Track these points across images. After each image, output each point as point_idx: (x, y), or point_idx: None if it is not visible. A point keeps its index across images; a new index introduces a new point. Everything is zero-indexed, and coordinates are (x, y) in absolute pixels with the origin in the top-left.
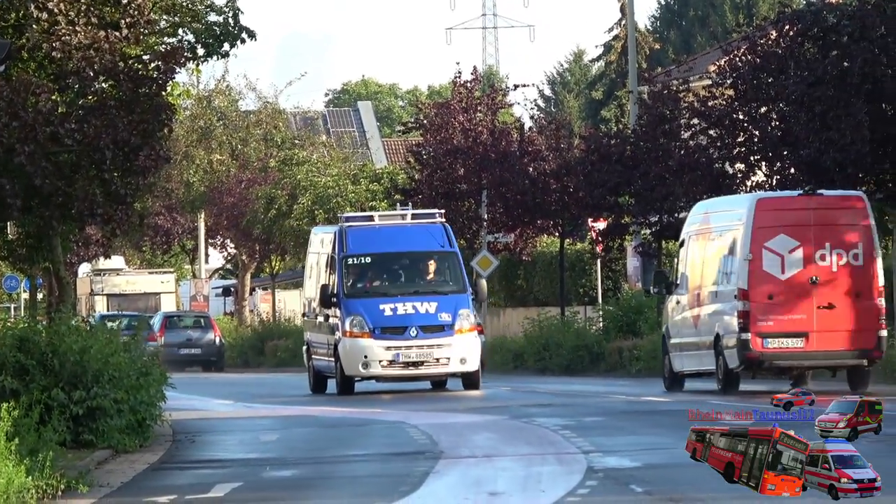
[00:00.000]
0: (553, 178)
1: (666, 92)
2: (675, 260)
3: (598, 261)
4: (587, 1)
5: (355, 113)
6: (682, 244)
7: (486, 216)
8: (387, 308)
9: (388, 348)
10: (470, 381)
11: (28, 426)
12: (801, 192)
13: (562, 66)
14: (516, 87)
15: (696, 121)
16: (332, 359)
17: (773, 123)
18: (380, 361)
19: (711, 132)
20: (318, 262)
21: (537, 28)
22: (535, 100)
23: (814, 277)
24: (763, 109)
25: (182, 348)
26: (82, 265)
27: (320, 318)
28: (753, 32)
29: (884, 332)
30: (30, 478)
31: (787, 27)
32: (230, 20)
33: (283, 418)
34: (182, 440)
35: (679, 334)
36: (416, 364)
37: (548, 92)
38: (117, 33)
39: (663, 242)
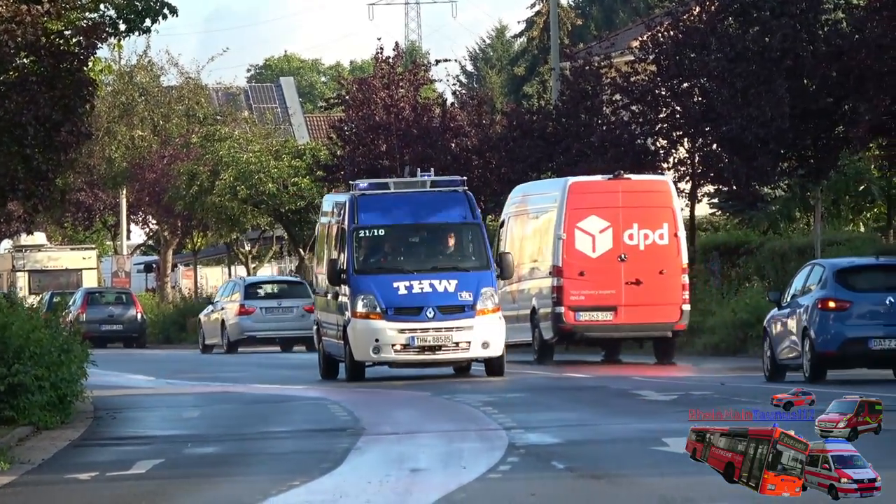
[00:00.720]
0: (475, 153)
1: (588, 68)
2: (496, 239)
3: None
4: None
5: (277, 89)
6: (502, 224)
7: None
8: (401, 286)
9: (402, 331)
10: (493, 366)
11: None
12: (610, 176)
13: (484, 42)
14: (438, 62)
15: (617, 96)
16: (342, 341)
17: (694, 99)
18: (392, 345)
19: (633, 108)
20: (329, 233)
21: (460, 3)
22: (458, 76)
23: (622, 255)
24: (685, 85)
25: (104, 324)
26: (3, 241)
27: (329, 296)
28: (675, 8)
29: (687, 307)
30: None
31: (708, 3)
32: None
33: (205, 395)
34: (104, 417)
35: (503, 308)
36: (432, 348)
37: (470, 68)
38: (39, 7)
39: None
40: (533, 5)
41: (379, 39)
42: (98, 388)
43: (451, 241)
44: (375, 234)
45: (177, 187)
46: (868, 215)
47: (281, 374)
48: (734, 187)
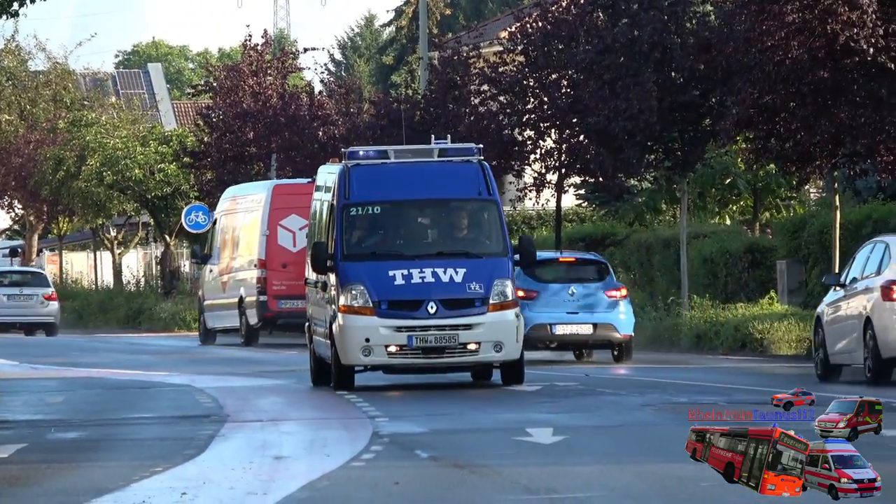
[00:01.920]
0: (342, 142)
1: (456, 58)
2: (210, 235)
3: None
4: None
5: (145, 75)
6: (215, 222)
7: (275, 179)
8: (398, 275)
9: (399, 329)
10: (510, 372)
11: None
12: (309, 180)
13: (353, 30)
14: (306, 50)
15: (486, 87)
16: (329, 341)
17: (562, 91)
18: (386, 347)
19: (501, 99)
20: (320, 211)
21: None
22: (326, 64)
23: None
24: (553, 76)
25: None
26: None
27: (319, 286)
28: (545, 0)
29: None
30: None
31: None
32: None
33: (68, 380)
34: None
35: (213, 297)
36: (435, 351)
37: (338, 56)
38: None
39: None
40: None
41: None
42: None
43: (462, 222)
44: (370, 212)
45: (43, 172)
46: (734, 208)
47: (144, 359)
48: (600, 179)
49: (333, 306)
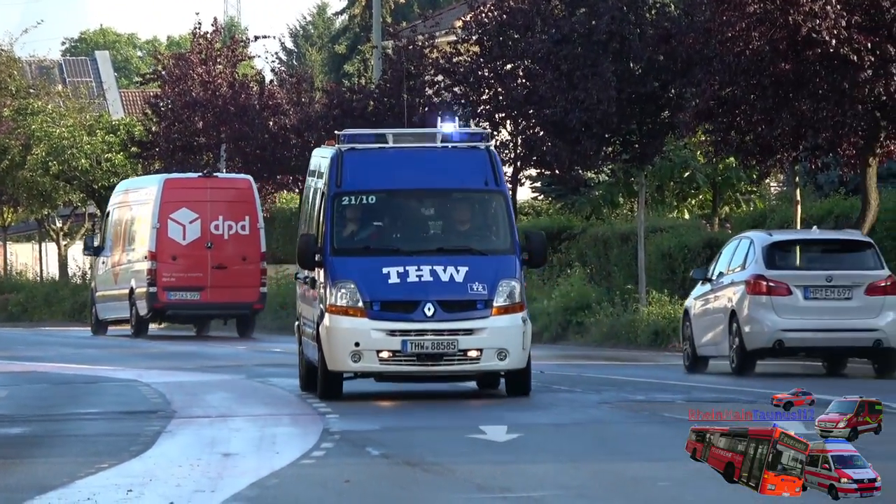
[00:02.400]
0: (294, 132)
1: (411, 47)
2: (103, 228)
3: None
4: None
5: (93, 63)
6: (107, 215)
7: (224, 171)
8: (392, 272)
9: (392, 332)
10: (516, 382)
11: None
12: (200, 174)
13: (305, 18)
14: (257, 38)
15: (440, 77)
16: (317, 344)
17: (518, 81)
18: (378, 352)
19: (456, 89)
20: (311, 199)
21: None
22: (277, 53)
23: (209, 243)
24: (509, 67)
25: None
26: None
27: (307, 282)
28: None
29: (264, 289)
30: None
31: None
32: None
33: (12, 374)
34: None
35: (105, 288)
36: (431, 357)
37: (290, 45)
38: None
39: None
40: None
41: (197, 14)
42: None
43: (465, 214)
44: (363, 202)
45: None
46: (693, 202)
47: (90, 353)
48: (557, 172)
49: (321, 305)
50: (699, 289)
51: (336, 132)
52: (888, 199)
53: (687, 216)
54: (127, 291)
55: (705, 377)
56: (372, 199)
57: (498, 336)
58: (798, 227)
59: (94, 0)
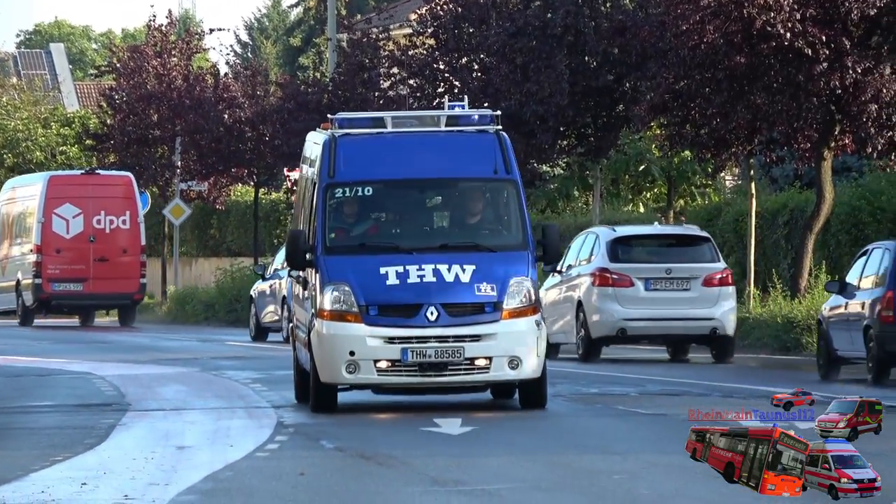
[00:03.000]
0: (249, 125)
1: (366, 40)
2: None
3: (293, 211)
4: None
5: (47, 55)
6: None
7: (179, 163)
8: (391, 272)
9: (391, 340)
10: (530, 393)
11: None
12: (83, 171)
13: (260, 11)
14: (212, 31)
15: (395, 70)
16: (309, 352)
17: (473, 74)
18: (375, 362)
19: (411, 82)
20: (303, 189)
21: None
22: (232, 46)
23: (91, 237)
24: (464, 60)
25: None
26: None
27: (300, 281)
28: None
29: (144, 280)
30: None
31: None
32: None
33: None
34: None
35: None
36: (434, 367)
37: (245, 38)
38: None
39: None
40: None
41: (152, 7)
42: None
43: (473, 206)
44: (359, 193)
45: None
46: (648, 195)
47: (43, 346)
48: None
49: (312, 310)
50: (550, 280)
51: (329, 115)
52: (843, 192)
53: (642, 209)
54: (14, 283)
55: (555, 363)
56: (368, 191)
57: (509, 342)
58: (753, 220)
59: None
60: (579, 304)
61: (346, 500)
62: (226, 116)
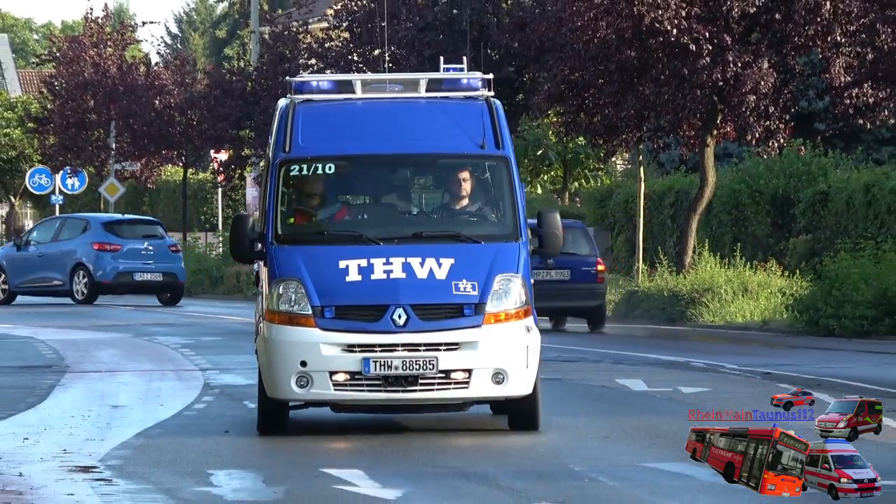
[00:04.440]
0: (178, 111)
1: (286, 33)
2: None
3: (220, 190)
4: None
5: None
6: None
7: (114, 146)
8: (352, 266)
9: (350, 348)
10: (519, 413)
11: None
12: None
13: (188, 5)
14: (144, 24)
15: (313, 61)
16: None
17: (385, 66)
18: (332, 374)
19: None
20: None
21: None
22: (163, 37)
23: None
24: (376, 52)
25: None
26: None
27: (254, 276)
28: None
29: None
30: None
31: None
32: None
33: None
34: None
35: None
36: (402, 381)
37: (174, 30)
38: None
39: None
40: None
41: (89, 0)
42: None
43: (455, 188)
44: (318, 171)
45: None
46: (545, 178)
47: None
48: None
49: (260, 310)
50: None
51: (287, 78)
52: (724, 176)
53: (540, 191)
54: None
55: None
56: (330, 169)
57: (493, 352)
58: (642, 202)
59: None
60: None
61: (266, 454)
62: (157, 102)
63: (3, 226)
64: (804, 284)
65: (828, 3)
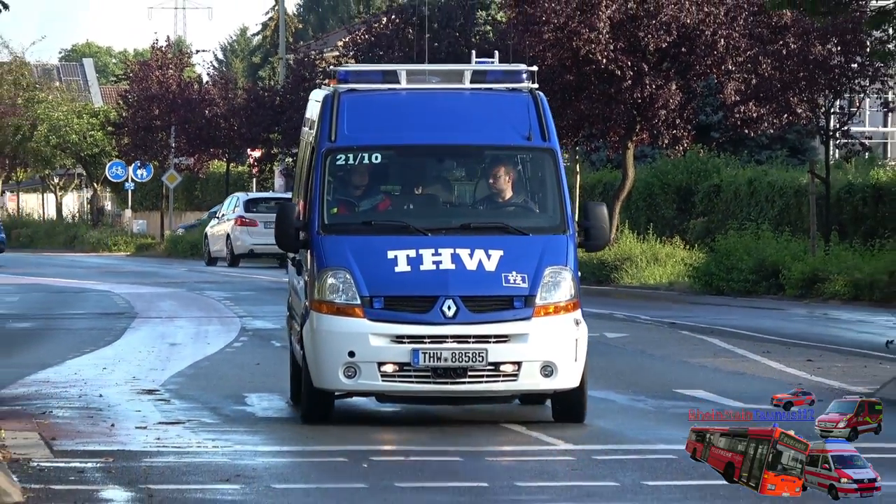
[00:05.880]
0: (222, 118)
1: (306, 59)
2: None
3: (254, 179)
4: None
5: (81, 67)
6: None
7: (173, 145)
8: (401, 257)
9: (399, 339)
10: (566, 405)
11: None
12: None
13: (231, 38)
14: (198, 51)
15: (327, 81)
16: (302, 350)
17: None
18: (380, 365)
19: None
20: (303, 156)
21: (215, 10)
22: (211, 62)
23: None
24: None
25: None
26: None
27: (295, 263)
28: (370, 19)
29: None
30: None
31: (394, 16)
32: None
33: (21, 285)
34: None
35: None
36: (451, 373)
37: (220, 56)
38: None
39: None
40: (267, 13)
41: (155, 34)
42: None
43: (502, 180)
44: (365, 161)
45: (6, 136)
46: None
47: (78, 272)
48: None
49: (306, 300)
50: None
51: (333, 67)
52: (641, 172)
53: None
54: None
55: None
56: (377, 158)
57: (542, 345)
58: (577, 191)
59: (82, 20)
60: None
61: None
62: (206, 112)
63: (89, 205)
64: (701, 255)
65: (722, 41)
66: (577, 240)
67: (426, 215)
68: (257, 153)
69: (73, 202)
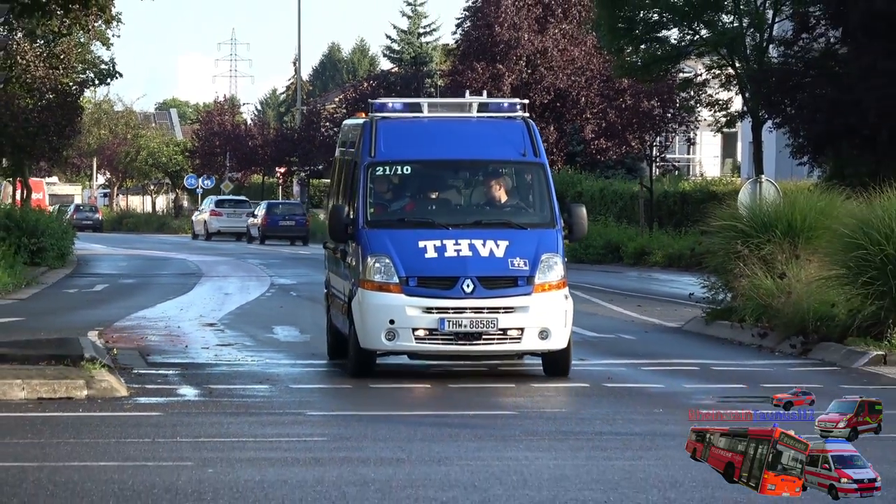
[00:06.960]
0: (260, 147)
1: (314, 110)
2: None
3: (280, 187)
4: (276, 63)
5: (168, 114)
6: None
7: (228, 164)
8: (430, 246)
9: (429, 310)
10: (555, 364)
11: (9, 254)
12: None
13: (266, 95)
14: (244, 104)
15: (328, 124)
16: (348, 318)
17: None
18: (414, 330)
19: (335, 129)
20: (339, 169)
21: (256, 77)
22: (253, 111)
23: None
24: None
25: (83, 220)
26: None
27: (338, 252)
28: (356, 83)
29: None
30: (9, 278)
31: (372, 81)
32: (111, 67)
33: (129, 256)
34: (81, 264)
35: None
36: (469, 336)
37: (259, 107)
38: (57, 70)
39: (310, 181)
40: (290, 79)
41: (216, 92)
42: (79, 250)
43: (504, 187)
44: (398, 172)
45: (120, 159)
46: None
47: (165, 246)
48: None
49: (353, 280)
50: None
51: (369, 100)
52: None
53: None
54: None
55: None
56: (407, 170)
57: (540, 315)
58: None
59: (170, 83)
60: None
61: (303, 318)
62: (249, 143)
63: (173, 203)
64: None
65: (583, 98)
66: (563, 232)
67: (446, 214)
68: (282, 169)
69: (162, 201)
